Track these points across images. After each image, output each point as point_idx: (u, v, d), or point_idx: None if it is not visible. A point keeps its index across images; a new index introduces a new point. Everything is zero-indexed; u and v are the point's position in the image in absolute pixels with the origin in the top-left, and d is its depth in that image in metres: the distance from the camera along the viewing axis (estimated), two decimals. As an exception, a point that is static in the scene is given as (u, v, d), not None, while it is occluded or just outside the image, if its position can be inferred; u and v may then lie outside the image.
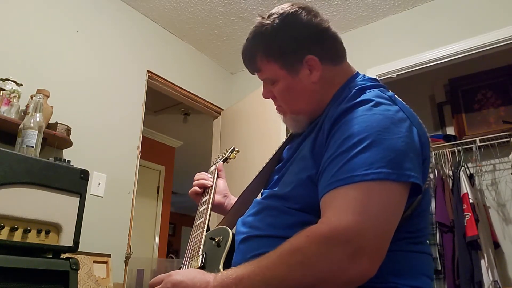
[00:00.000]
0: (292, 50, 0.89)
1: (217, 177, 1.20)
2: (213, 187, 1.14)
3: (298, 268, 0.64)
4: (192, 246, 0.93)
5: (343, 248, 0.64)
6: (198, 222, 1.02)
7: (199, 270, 0.77)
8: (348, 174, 0.69)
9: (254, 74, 0.98)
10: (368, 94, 0.81)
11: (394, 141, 0.71)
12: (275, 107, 0.98)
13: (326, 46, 0.91)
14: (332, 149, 0.75)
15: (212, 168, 1.24)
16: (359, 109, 0.77)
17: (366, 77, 0.92)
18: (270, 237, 0.80)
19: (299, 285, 0.65)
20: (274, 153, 1.03)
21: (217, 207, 1.15)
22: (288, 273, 0.65)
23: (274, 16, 0.90)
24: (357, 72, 0.95)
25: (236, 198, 1.10)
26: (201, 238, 0.93)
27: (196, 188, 1.16)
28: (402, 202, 0.70)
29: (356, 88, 0.83)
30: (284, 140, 1.05)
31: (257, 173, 1.03)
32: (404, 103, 0.84)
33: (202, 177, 1.17)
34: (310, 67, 0.89)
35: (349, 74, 0.93)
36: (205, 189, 1.16)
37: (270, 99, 0.98)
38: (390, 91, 0.87)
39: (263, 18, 0.92)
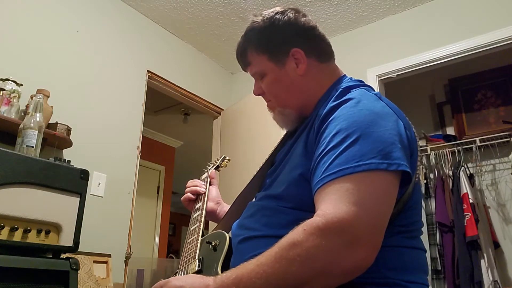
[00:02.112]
0: (279, 42, 0.94)
1: (210, 184, 1.21)
2: (206, 194, 1.15)
3: (297, 262, 0.65)
4: (188, 251, 0.93)
5: (340, 238, 0.65)
6: (193, 228, 1.02)
7: (198, 275, 0.77)
8: (340, 167, 0.70)
9: (246, 71, 1.02)
10: (354, 93, 0.84)
11: (381, 133, 0.73)
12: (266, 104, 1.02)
13: (312, 42, 0.96)
14: (322, 146, 0.77)
15: (204, 175, 1.26)
16: (346, 105, 0.80)
17: (353, 79, 0.96)
18: (267, 237, 0.80)
19: (299, 279, 0.65)
20: (267, 157, 1.04)
21: (210, 214, 1.16)
22: (287, 268, 0.65)
23: (264, 14, 0.97)
24: (344, 74, 0.99)
25: (228, 205, 1.12)
26: (197, 243, 0.93)
27: (189, 194, 1.17)
28: (395, 191, 0.72)
29: (342, 88, 0.87)
30: (276, 145, 1.06)
31: (251, 178, 1.04)
32: (390, 101, 0.86)
33: (195, 184, 1.19)
34: (296, 60, 0.94)
35: (336, 75, 0.97)
36: (198, 195, 1.17)
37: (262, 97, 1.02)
38: (375, 90, 0.90)
39: (255, 16, 0.98)
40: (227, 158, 1.34)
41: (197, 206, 1.11)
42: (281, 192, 0.84)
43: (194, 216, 1.07)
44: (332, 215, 0.66)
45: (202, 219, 1.03)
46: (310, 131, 0.85)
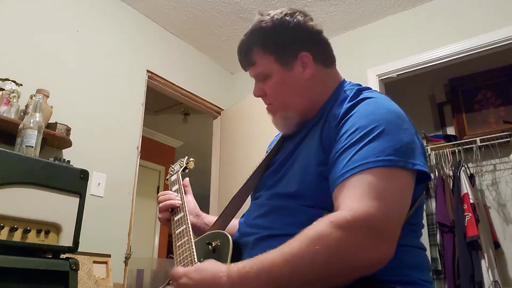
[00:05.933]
0: (288, 45, 0.93)
1: (184, 193, 1.13)
2: (185, 205, 1.06)
3: (325, 252, 0.65)
4: (183, 254, 0.86)
5: (367, 232, 0.66)
6: (179, 230, 0.96)
7: (210, 266, 0.71)
8: (361, 162, 0.72)
9: (246, 70, 1.00)
10: (369, 94, 0.86)
11: (399, 133, 0.76)
12: (266, 107, 1.00)
13: (319, 47, 0.96)
14: (341, 142, 0.78)
15: (174, 178, 1.19)
16: (363, 104, 0.82)
17: (354, 83, 0.97)
18: (288, 236, 0.76)
19: (325, 269, 0.65)
20: (262, 160, 1.02)
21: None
22: (313, 259, 0.65)
23: (273, 14, 0.95)
24: (344, 79, 1.00)
25: (207, 215, 1.10)
26: (191, 245, 0.87)
27: (167, 213, 1.07)
28: (410, 188, 0.74)
29: (355, 89, 0.89)
30: (271, 147, 1.05)
31: (246, 180, 1.02)
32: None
33: (169, 198, 1.09)
34: (303, 64, 0.93)
35: (338, 80, 0.99)
36: (173, 209, 1.08)
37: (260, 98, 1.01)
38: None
39: (262, 15, 0.96)
40: (191, 159, 1.29)
41: (177, 218, 1.03)
42: (297, 190, 0.84)
43: (177, 232, 0.98)
44: (359, 209, 0.67)
45: (188, 222, 0.97)
46: (323, 129, 0.86)
